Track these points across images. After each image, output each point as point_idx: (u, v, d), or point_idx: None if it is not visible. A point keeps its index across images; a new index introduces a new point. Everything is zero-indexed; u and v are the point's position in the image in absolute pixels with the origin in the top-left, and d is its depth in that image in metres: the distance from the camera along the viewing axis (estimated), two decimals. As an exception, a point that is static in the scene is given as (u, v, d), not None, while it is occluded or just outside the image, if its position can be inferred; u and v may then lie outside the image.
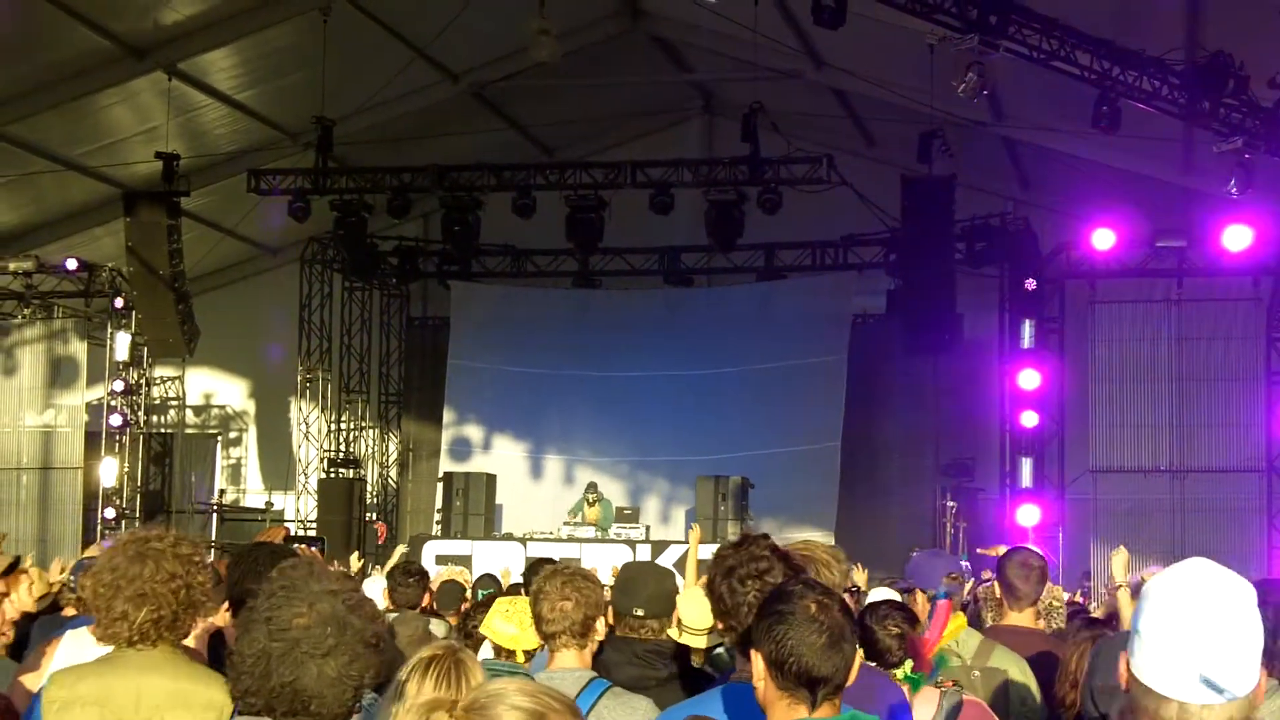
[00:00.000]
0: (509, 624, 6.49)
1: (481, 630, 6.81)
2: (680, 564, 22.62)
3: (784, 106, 24.78)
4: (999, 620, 7.87)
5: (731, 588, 4.76)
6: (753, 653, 3.99)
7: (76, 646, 5.86)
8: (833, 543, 21.33)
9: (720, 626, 5.13)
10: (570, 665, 5.73)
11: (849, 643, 3.93)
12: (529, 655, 6.54)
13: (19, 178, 25.75)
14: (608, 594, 6.38)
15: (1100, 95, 19.75)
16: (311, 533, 27.38)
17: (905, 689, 5.83)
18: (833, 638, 3.89)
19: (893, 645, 5.96)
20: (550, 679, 5.63)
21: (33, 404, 28.07)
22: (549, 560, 8.65)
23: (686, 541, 24.65)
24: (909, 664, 5.88)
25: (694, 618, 7.80)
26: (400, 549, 15.38)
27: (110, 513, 26.60)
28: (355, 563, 13.99)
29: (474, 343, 30.18)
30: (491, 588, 10.25)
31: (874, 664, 5.90)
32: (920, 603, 7.88)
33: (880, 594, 9.45)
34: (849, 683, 3.99)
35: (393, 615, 9.32)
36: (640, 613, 6.37)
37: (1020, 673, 6.73)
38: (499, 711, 2.85)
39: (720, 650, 7.61)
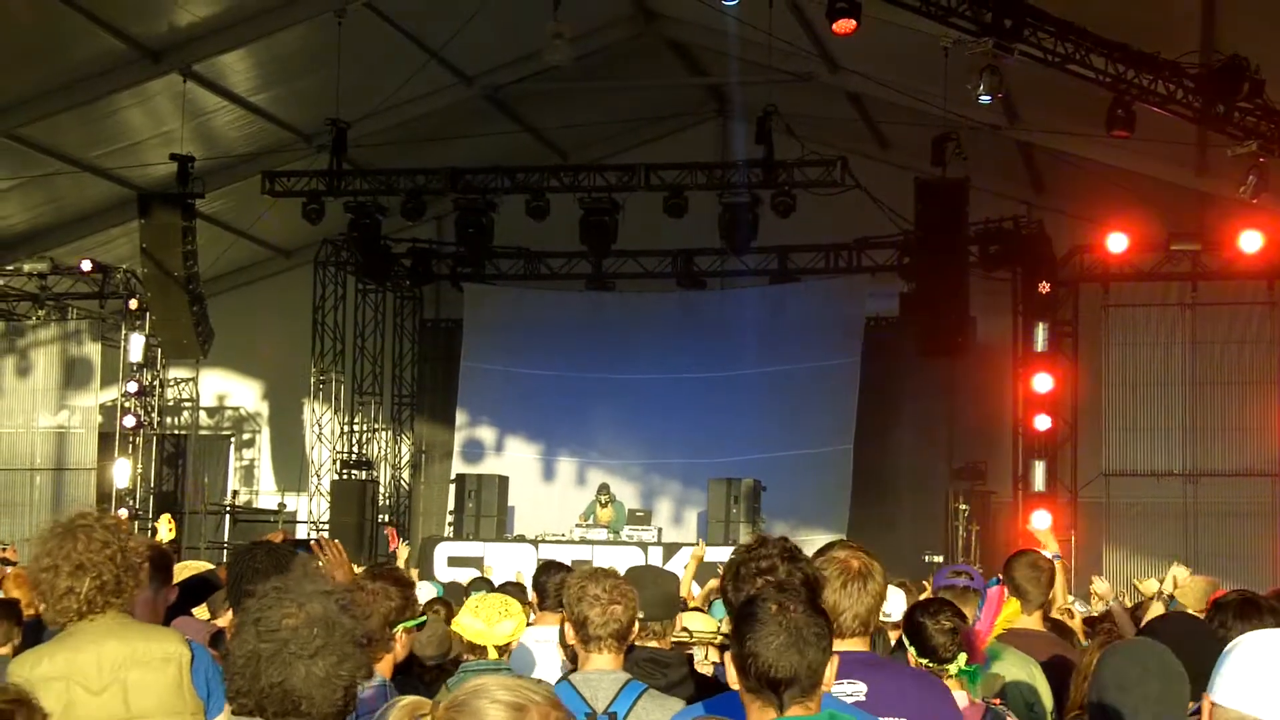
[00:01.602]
0: (476, 620, 6.55)
1: (453, 626, 6.86)
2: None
3: (798, 110, 24.77)
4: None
5: (737, 587, 4.81)
6: (726, 657, 4.03)
7: None
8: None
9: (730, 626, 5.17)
10: (606, 668, 5.73)
11: (812, 644, 3.92)
12: (502, 651, 6.58)
13: (34, 179, 25.82)
14: None
15: (1115, 99, 19.75)
16: (325, 533, 27.42)
17: (958, 684, 5.85)
18: (791, 637, 3.90)
19: (945, 641, 5.93)
20: (586, 681, 5.65)
21: (47, 405, 28.15)
22: (560, 564, 8.65)
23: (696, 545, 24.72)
24: (963, 658, 5.89)
25: (699, 626, 7.90)
26: (404, 552, 15.31)
27: (123, 514, 26.61)
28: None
29: (487, 345, 30.19)
30: (484, 590, 10.23)
31: (926, 660, 5.92)
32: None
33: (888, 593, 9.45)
34: (823, 684, 4.00)
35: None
36: (641, 615, 6.40)
37: (1029, 676, 6.72)
38: (480, 705, 2.85)
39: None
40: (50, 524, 5.33)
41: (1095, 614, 8.95)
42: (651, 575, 6.88)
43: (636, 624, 5.94)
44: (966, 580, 7.66)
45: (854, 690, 4.86)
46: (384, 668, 5.76)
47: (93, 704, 5.00)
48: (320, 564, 6.79)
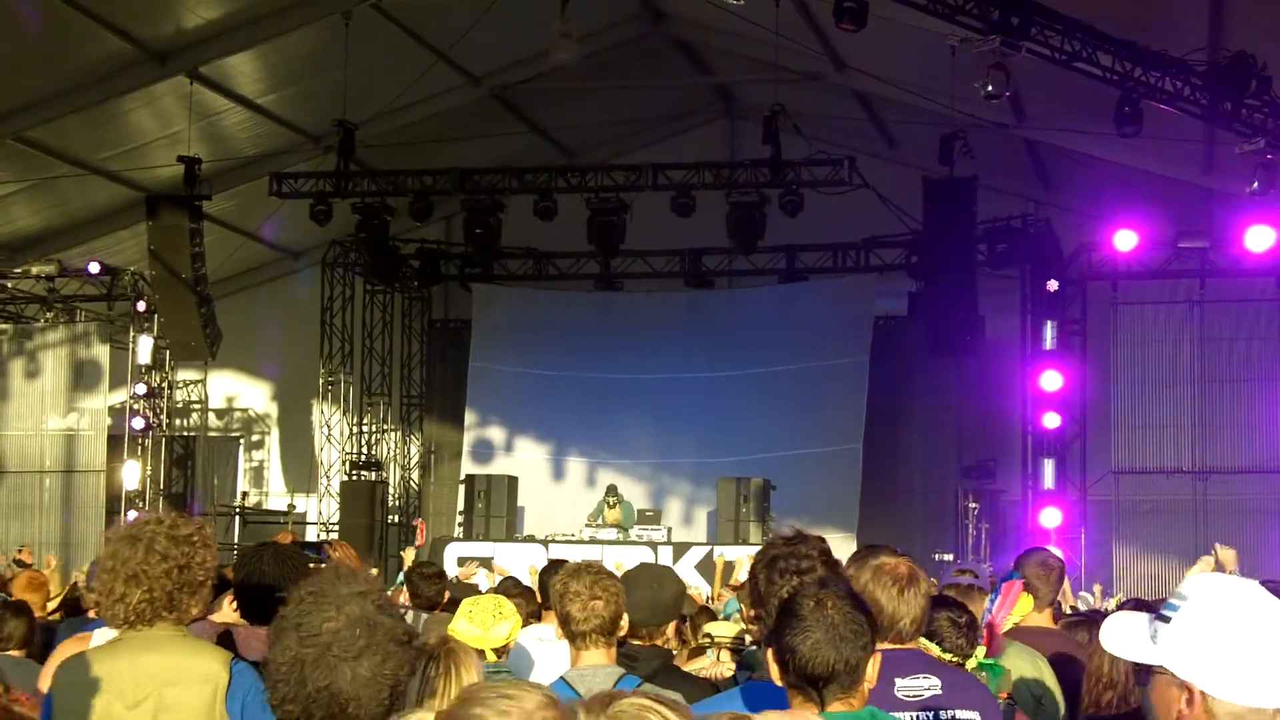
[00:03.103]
0: (472, 625, 6.56)
1: (449, 631, 6.87)
2: (703, 566, 22.68)
3: (805, 109, 24.78)
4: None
5: (770, 579, 4.79)
6: (769, 653, 4.04)
7: (107, 638, 5.99)
8: (855, 545, 21.34)
9: (750, 614, 5.16)
10: (599, 662, 5.74)
11: (849, 640, 3.92)
12: (500, 653, 6.60)
13: (42, 182, 25.86)
14: None
15: (1122, 96, 19.74)
16: (335, 535, 27.41)
17: (984, 678, 5.84)
18: (828, 634, 3.91)
19: (962, 642, 5.91)
20: (580, 677, 5.66)
21: (56, 407, 28.14)
22: (564, 563, 8.67)
23: (708, 544, 24.76)
24: (981, 651, 5.87)
25: (721, 631, 7.93)
26: (409, 555, 15.45)
27: (133, 516, 26.60)
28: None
29: (495, 345, 30.21)
30: (515, 590, 10.25)
31: (950, 655, 5.89)
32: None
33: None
34: (867, 682, 3.99)
35: (424, 616, 9.39)
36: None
37: (1036, 671, 6.71)
38: (476, 713, 2.85)
39: (754, 649, 7.64)
40: (125, 524, 5.34)
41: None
42: (646, 578, 6.80)
43: (625, 618, 5.94)
44: (971, 579, 7.66)
45: (930, 684, 4.84)
46: None
47: (126, 716, 5.00)
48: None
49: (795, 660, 3.92)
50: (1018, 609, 6.40)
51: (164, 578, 5.09)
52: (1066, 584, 11.79)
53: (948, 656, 5.88)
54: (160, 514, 5.40)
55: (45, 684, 5.58)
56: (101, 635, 6.30)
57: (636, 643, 6.43)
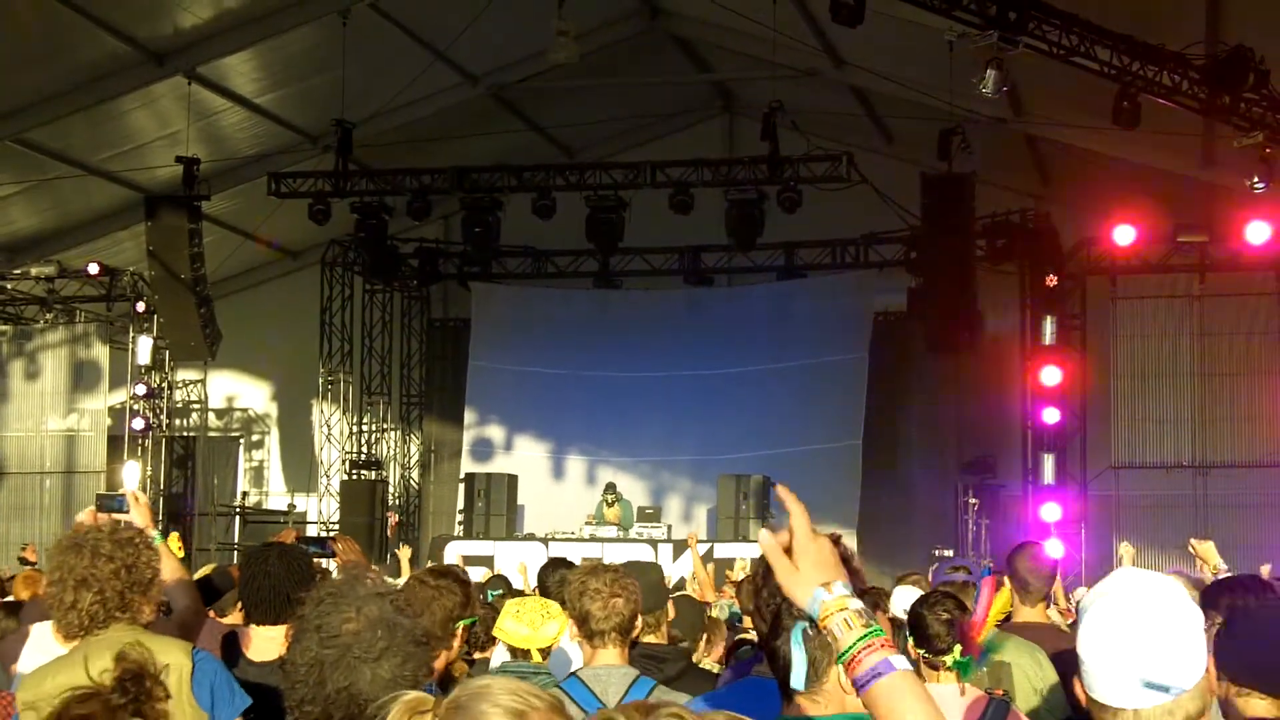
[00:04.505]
0: (520, 624, 6.54)
1: (494, 632, 6.86)
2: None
3: (803, 105, 24.76)
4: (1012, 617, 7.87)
5: (771, 586, 4.77)
6: None
7: (45, 634, 6.03)
8: (856, 541, 21.34)
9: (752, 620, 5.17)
10: (614, 663, 5.73)
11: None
12: (544, 653, 6.59)
13: (41, 183, 25.85)
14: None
15: (1120, 91, 19.72)
16: (335, 533, 27.38)
17: (954, 675, 5.86)
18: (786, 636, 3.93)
19: (941, 632, 5.94)
20: (595, 676, 5.65)
21: (55, 408, 28.14)
22: (565, 561, 8.64)
23: (709, 540, 24.75)
24: (958, 649, 5.89)
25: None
26: (405, 553, 15.49)
27: (130, 517, 26.49)
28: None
29: (495, 343, 30.21)
30: (501, 588, 10.23)
31: (923, 650, 5.92)
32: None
33: (904, 593, 9.44)
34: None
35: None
36: None
37: (1035, 665, 6.71)
38: (481, 710, 2.85)
39: (747, 648, 7.66)
40: (64, 535, 5.36)
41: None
42: (637, 568, 6.87)
43: (640, 619, 5.94)
44: (965, 575, 7.67)
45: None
46: (440, 664, 5.73)
47: None
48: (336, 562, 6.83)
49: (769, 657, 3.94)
50: (997, 604, 6.41)
51: (113, 578, 5.17)
52: (1059, 583, 11.80)
53: (920, 651, 5.92)
54: (102, 523, 5.46)
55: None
56: (40, 630, 6.35)
57: (650, 639, 6.44)
